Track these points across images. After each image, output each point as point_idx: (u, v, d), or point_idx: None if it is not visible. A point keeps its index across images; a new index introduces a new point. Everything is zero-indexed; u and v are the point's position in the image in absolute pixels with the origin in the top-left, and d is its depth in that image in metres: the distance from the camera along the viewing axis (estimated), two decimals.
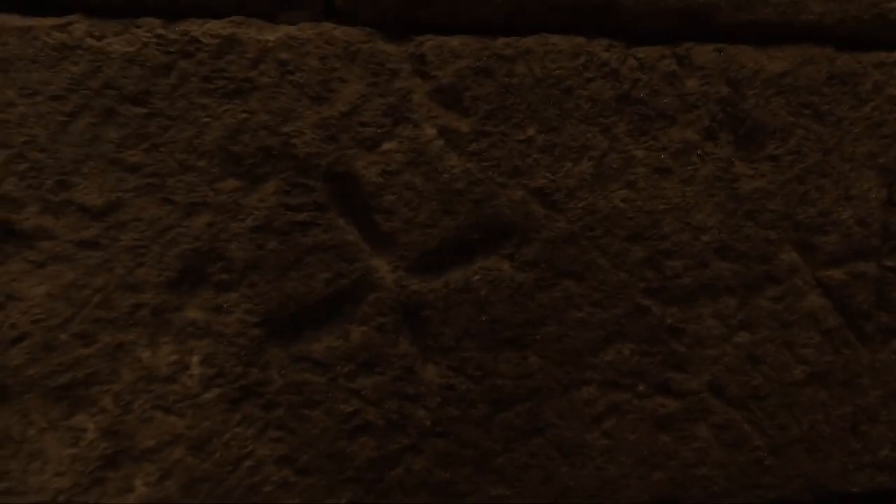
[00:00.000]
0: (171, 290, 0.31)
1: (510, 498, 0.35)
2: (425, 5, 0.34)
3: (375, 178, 0.33)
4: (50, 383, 0.30)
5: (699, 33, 0.38)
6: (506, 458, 0.35)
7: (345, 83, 0.33)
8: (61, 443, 0.30)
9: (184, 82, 0.31)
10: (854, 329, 0.41)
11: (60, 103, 0.29)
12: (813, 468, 0.40)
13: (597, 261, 0.36)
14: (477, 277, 0.35)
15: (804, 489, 0.40)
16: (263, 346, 0.32)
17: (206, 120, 0.31)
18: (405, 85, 0.34)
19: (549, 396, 0.36)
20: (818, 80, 0.39)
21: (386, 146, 0.33)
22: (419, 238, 0.33)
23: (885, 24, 0.40)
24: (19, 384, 0.29)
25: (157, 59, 0.30)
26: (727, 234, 0.38)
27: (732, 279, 0.39)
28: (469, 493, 0.34)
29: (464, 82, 0.34)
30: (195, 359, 0.31)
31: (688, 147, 0.37)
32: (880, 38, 0.40)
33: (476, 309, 0.35)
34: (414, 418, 0.34)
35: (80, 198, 0.30)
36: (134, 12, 0.31)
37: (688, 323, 0.38)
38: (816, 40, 0.39)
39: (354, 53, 0.33)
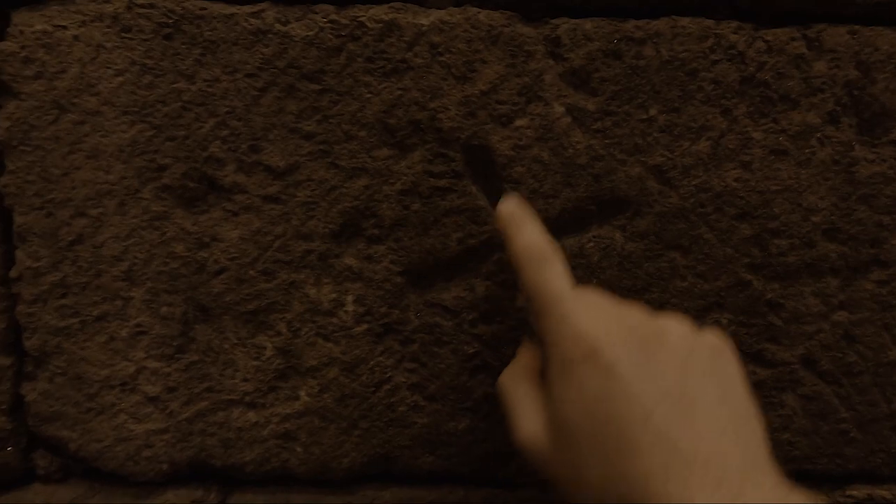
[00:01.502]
0: (333, 240, 0.36)
1: None
2: None
3: (507, 152, 0.36)
4: (240, 308, 0.36)
5: (832, 14, 0.37)
6: None
7: (485, 64, 0.35)
8: (247, 356, 0.37)
9: (351, 62, 0.35)
10: None
11: (254, 80, 0.34)
12: None
13: (704, 236, 0.38)
14: (590, 245, 0.38)
15: (885, 464, 0.41)
16: (404, 291, 0.37)
17: (367, 96, 0.35)
18: (539, 66, 0.36)
19: None
20: None
21: (518, 122, 0.36)
22: (542, 206, 0.36)
23: None
24: (219, 307, 0.36)
25: (331, 42, 0.34)
26: (838, 216, 0.38)
27: (838, 260, 0.39)
28: None
29: (593, 64, 0.35)
30: (349, 298, 0.37)
31: (807, 130, 0.37)
32: None
33: (587, 273, 0.38)
34: None
35: (266, 160, 0.35)
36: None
37: (787, 299, 0.39)
38: None
39: (496, 36, 0.35)
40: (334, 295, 0.36)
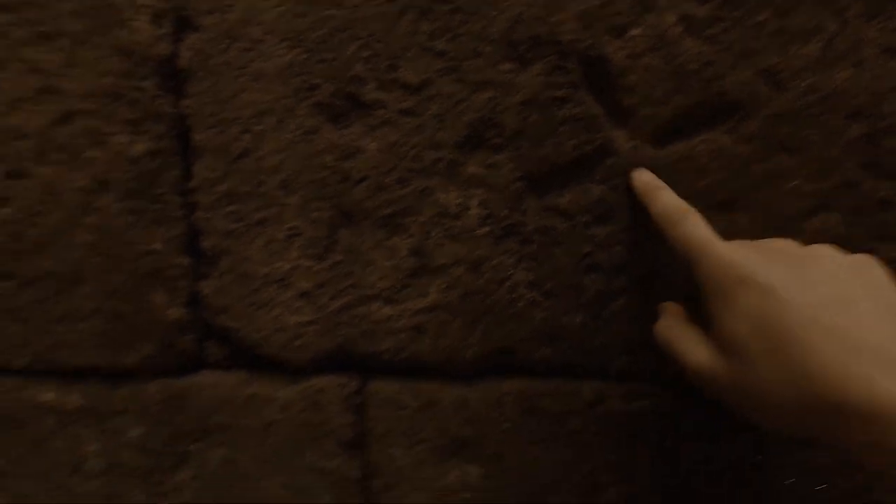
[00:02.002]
0: (460, 150, 0.40)
1: None
2: None
3: (621, 61, 0.38)
4: (378, 213, 0.41)
5: None
6: None
7: None
8: (383, 256, 0.42)
9: None
10: None
11: (392, 4, 0.38)
12: None
13: (813, 137, 0.39)
14: (699, 148, 0.39)
15: None
16: (523, 196, 0.40)
17: (493, 14, 0.38)
18: None
19: None
20: None
21: (632, 32, 0.38)
22: (653, 113, 0.39)
23: None
24: (360, 213, 0.41)
25: None
26: None
27: None
28: None
29: None
30: (474, 202, 0.40)
31: None
32: None
33: (695, 175, 0.39)
34: (635, 264, 0.41)
35: (402, 77, 0.39)
36: None
37: None
38: None
39: None
40: (460, 200, 0.40)
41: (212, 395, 0.44)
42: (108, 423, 0.45)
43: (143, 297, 0.42)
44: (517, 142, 0.39)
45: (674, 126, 0.38)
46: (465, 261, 0.41)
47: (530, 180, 0.40)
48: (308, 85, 0.39)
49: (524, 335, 0.41)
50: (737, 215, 0.39)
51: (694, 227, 0.33)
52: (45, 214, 0.41)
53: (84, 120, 0.40)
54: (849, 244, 0.34)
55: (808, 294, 0.28)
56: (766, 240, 0.33)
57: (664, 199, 0.35)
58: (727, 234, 0.36)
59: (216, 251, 0.42)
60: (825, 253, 0.31)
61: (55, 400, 0.44)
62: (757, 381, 0.29)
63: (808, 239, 0.35)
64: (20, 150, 0.41)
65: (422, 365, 0.43)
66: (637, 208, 0.38)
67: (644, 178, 0.37)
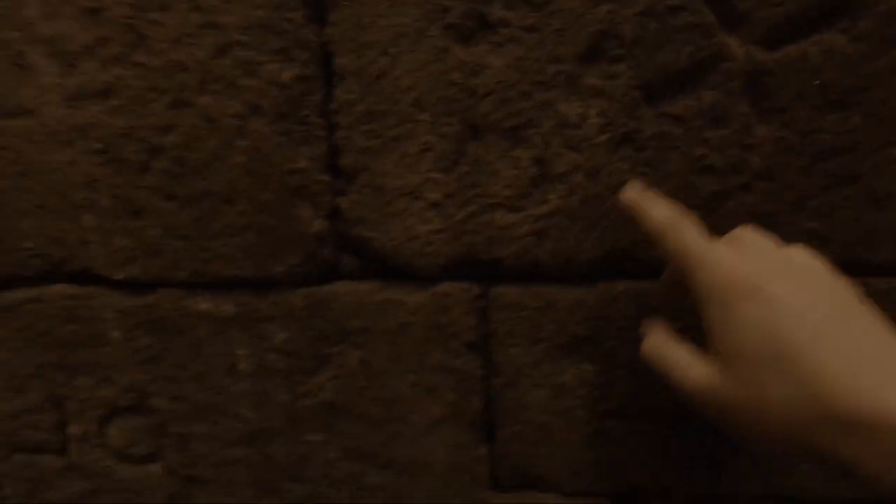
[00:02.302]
0: (580, 62, 0.42)
1: (821, 231, 0.43)
2: None
3: None
4: (503, 126, 0.44)
5: None
6: (821, 200, 0.42)
7: None
8: (507, 166, 0.45)
9: None
10: None
11: None
12: None
13: None
14: (813, 49, 0.41)
15: None
16: (639, 104, 0.43)
17: None
18: None
19: (866, 151, 0.41)
20: None
21: None
22: (766, 15, 0.40)
23: None
24: (485, 126, 0.44)
25: None
26: None
27: None
28: (787, 224, 0.42)
29: None
30: (593, 112, 0.43)
31: None
32: None
33: (809, 76, 0.41)
34: (748, 163, 0.43)
35: None
36: None
37: None
38: None
39: None
40: (580, 110, 0.43)
41: (350, 302, 0.48)
42: (257, 329, 0.50)
43: (290, 212, 0.47)
44: (634, 52, 0.42)
45: (786, 28, 0.40)
46: (584, 168, 0.44)
47: (646, 89, 0.42)
48: (440, 7, 0.42)
49: (639, 237, 0.44)
50: (851, 115, 0.41)
51: (693, 237, 0.33)
52: (204, 140, 0.46)
53: (239, 51, 0.45)
54: None
55: (814, 307, 0.29)
56: (756, 242, 0.33)
57: (657, 211, 0.35)
58: (842, 134, 0.37)
59: (354, 167, 0.46)
60: (815, 266, 0.32)
61: (211, 309, 0.50)
62: (762, 395, 0.29)
63: None
64: (183, 81, 0.46)
65: (541, 269, 0.46)
66: None
67: (631, 196, 0.37)
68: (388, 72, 0.44)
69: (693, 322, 0.34)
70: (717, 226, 0.40)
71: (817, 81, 0.40)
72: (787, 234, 0.38)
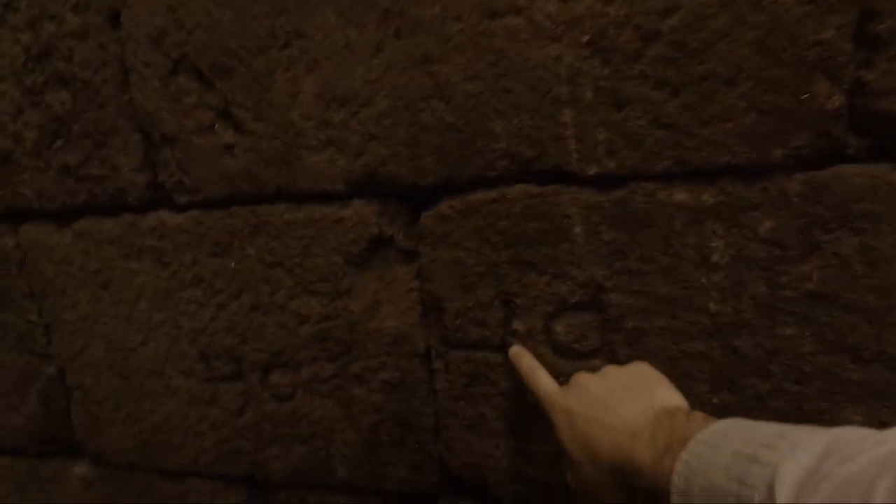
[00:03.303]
0: None
1: None
2: None
3: None
4: None
5: None
6: None
7: None
8: None
9: None
10: None
11: None
12: None
13: None
14: None
15: None
16: None
17: None
18: None
19: None
20: None
21: None
22: None
23: None
24: None
25: None
26: None
27: None
28: None
29: None
30: None
31: None
32: None
33: None
34: None
35: None
36: None
37: None
38: None
39: None
40: None
41: (857, 185, 0.45)
42: (739, 219, 0.48)
43: (804, 89, 0.44)
44: None
45: None
46: None
47: None
48: None
49: None
50: None
51: (544, 381, 0.51)
52: (711, 19, 0.45)
53: None
54: None
55: (585, 404, 0.46)
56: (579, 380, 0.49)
57: (525, 363, 0.54)
58: None
59: (891, 33, 0.43)
60: (607, 370, 0.49)
61: (687, 200, 0.48)
62: (582, 474, 0.45)
63: None
64: None
65: None
66: None
67: (515, 350, 0.56)
68: None
69: None
70: None
71: None
72: None
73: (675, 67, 0.46)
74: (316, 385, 0.67)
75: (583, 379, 0.49)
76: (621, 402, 0.44)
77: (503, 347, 0.58)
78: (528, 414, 0.59)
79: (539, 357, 0.56)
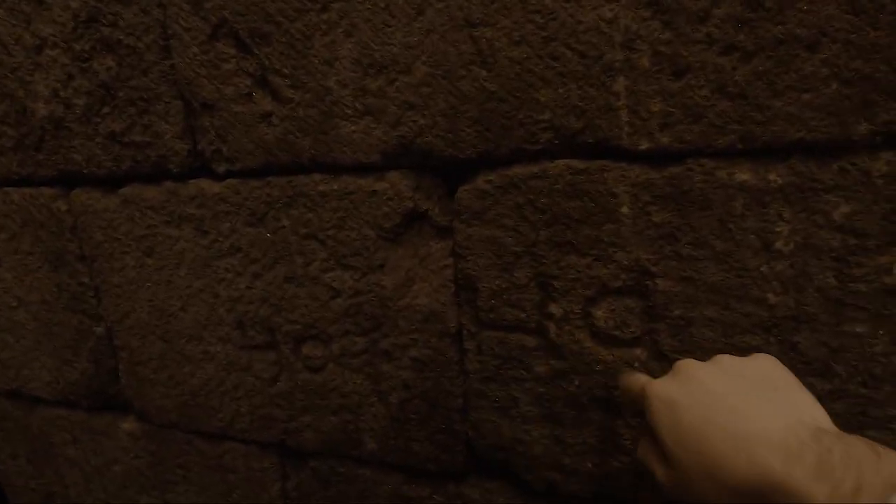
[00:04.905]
0: None
1: None
2: None
3: None
4: None
5: None
6: None
7: None
8: None
9: None
10: None
11: None
12: None
13: None
14: None
15: None
16: None
17: None
18: None
19: None
20: None
21: None
22: None
23: None
24: None
25: None
26: None
27: None
28: None
29: None
30: None
31: None
32: None
33: None
34: None
35: None
36: None
37: None
38: None
39: None
40: None
41: None
42: (810, 202, 0.42)
43: None
44: None
45: None
46: None
47: None
48: None
49: None
50: None
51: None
52: None
53: None
54: None
55: (699, 401, 0.36)
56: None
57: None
58: None
59: None
60: (721, 360, 0.39)
61: (751, 179, 0.43)
62: (688, 481, 0.36)
63: None
64: None
65: None
66: None
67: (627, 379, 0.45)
68: None
69: None
70: None
71: None
72: None
73: (748, 29, 0.40)
74: (347, 359, 0.65)
75: (692, 368, 0.39)
76: (754, 407, 0.34)
77: (539, 331, 0.54)
78: (565, 401, 0.55)
79: (576, 343, 0.52)
